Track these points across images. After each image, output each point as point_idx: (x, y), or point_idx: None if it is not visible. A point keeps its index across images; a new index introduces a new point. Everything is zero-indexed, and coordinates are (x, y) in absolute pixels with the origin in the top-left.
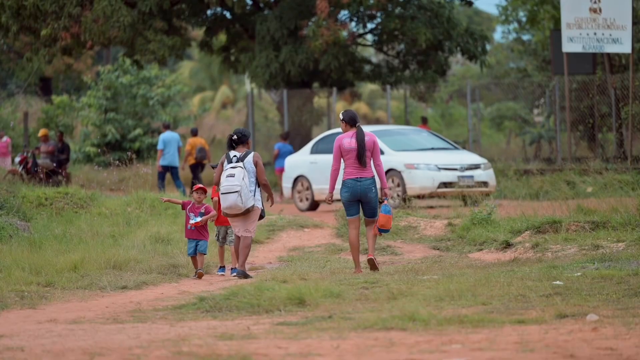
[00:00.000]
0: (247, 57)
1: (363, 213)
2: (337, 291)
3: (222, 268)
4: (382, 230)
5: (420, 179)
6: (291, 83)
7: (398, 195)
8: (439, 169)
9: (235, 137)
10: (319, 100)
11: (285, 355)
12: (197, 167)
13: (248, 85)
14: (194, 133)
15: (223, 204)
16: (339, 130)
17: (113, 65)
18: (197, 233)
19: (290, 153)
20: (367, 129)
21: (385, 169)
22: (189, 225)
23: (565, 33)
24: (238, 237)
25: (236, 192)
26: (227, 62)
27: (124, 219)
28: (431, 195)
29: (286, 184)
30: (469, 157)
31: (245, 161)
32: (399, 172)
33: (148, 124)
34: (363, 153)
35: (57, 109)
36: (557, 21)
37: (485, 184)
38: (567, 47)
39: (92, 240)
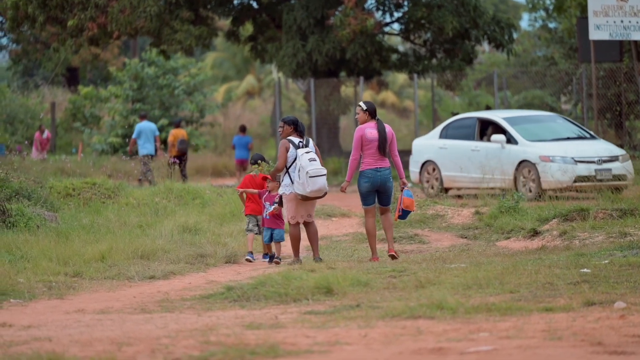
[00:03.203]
0: (274, 46)
1: (379, 202)
2: (364, 280)
3: (251, 253)
4: (406, 213)
5: (555, 173)
6: (318, 72)
7: (531, 191)
8: (576, 162)
9: (298, 125)
10: (346, 90)
11: (313, 344)
12: (179, 159)
13: (275, 75)
14: (177, 124)
15: (312, 187)
16: (469, 114)
17: (139, 58)
18: (273, 222)
19: (247, 145)
20: (504, 113)
21: (518, 160)
22: (264, 214)
23: (592, 21)
24: (296, 225)
25: (324, 175)
26: (254, 51)
27: (151, 209)
28: (566, 190)
29: (413, 168)
30: (606, 148)
31: (309, 147)
32: (534, 164)
33: (175, 114)
34: (384, 144)
35: (84, 100)
36: (583, 9)
37: (622, 177)
38: (594, 34)
39: (120, 230)
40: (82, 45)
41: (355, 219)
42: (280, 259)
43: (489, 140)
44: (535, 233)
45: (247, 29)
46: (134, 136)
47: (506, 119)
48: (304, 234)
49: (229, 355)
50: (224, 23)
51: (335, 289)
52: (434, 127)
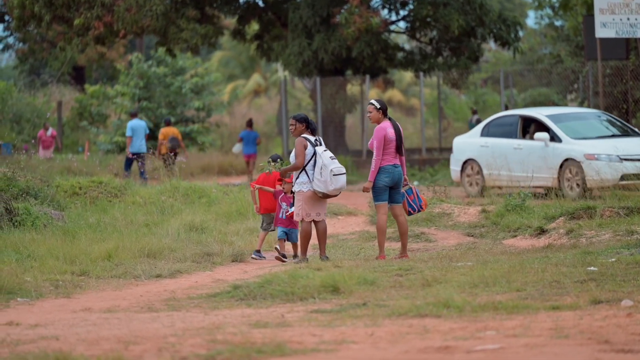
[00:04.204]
0: (279, 45)
1: (391, 199)
2: (371, 278)
3: (259, 252)
4: (418, 211)
5: (601, 171)
6: (324, 71)
7: (578, 185)
8: (621, 159)
9: (310, 122)
10: (352, 88)
11: (320, 343)
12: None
13: (281, 73)
14: (167, 122)
15: (335, 185)
16: (509, 112)
17: (144, 55)
18: (288, 222)
19: (256, 139)
20: (547, 111)
21: (562, 158)
22: (280, 214)
23: (598, 18)
24: (309, 223)
25: (345, 173)
26: (260, 50)
27: (157, 208)
28: (612, 189)
29: (454, 167)
30: None
31: (323, 145)
32: (578, 162)
33: (182, 112)
34: (401, 143)
35: (91, 98)
36: (589, 7)
37: None
38: (600, 32)
39: (126, 229)
40: (88, 44)
41: (362, 217)
42: (287, 258)
43: (531, 138)
44: (542, 231)
45: (253, 27)
46: (128, 134)
47: (549, 117)
48: (313, 232)
49: (235, 353)
50: (230, 22)
51: (342, 287)
52: (440, 125)
